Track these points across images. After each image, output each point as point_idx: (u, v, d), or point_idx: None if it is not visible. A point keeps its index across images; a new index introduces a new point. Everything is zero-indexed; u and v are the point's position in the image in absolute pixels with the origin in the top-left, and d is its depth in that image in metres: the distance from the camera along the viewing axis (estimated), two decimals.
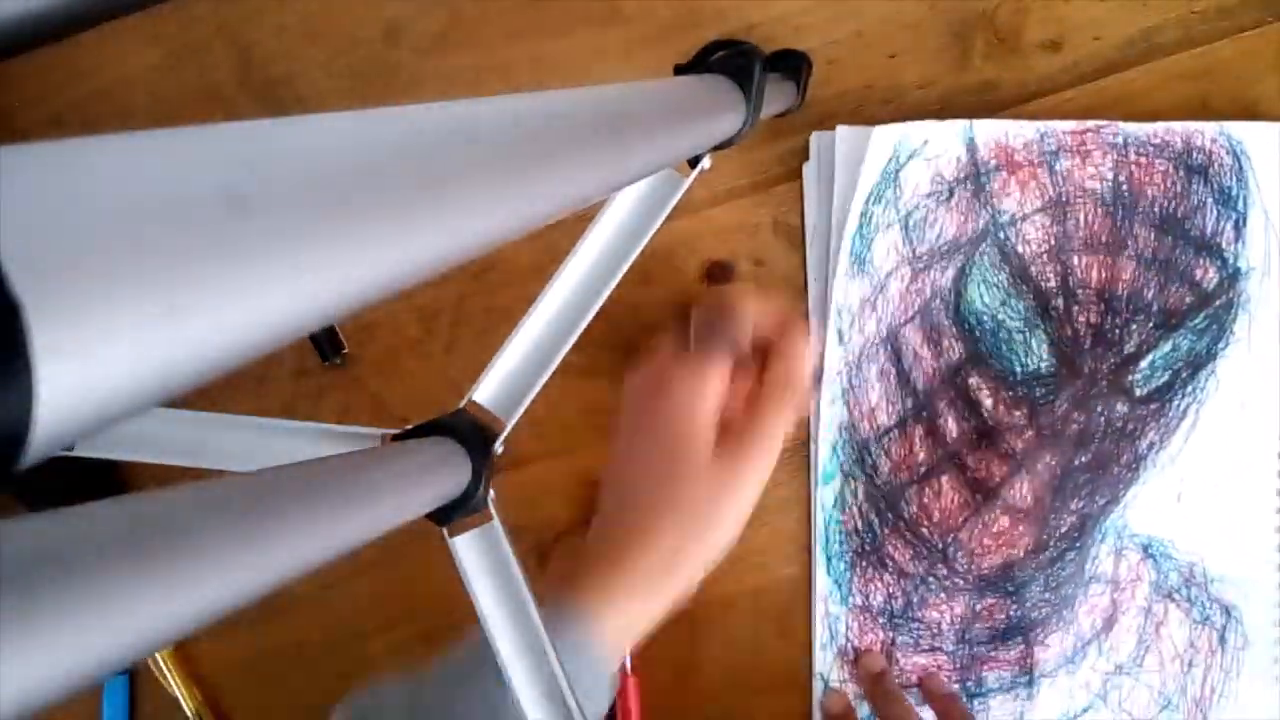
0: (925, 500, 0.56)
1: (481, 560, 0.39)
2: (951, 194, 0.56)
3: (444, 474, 0.36)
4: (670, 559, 0.46)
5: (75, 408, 0.11)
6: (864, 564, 0.56)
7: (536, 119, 0.25)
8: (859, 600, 0.56)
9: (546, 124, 0.25)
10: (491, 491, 0.38)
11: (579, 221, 0.44)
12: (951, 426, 0.56)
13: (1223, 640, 0.55)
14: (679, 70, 0.42)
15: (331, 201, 0.16)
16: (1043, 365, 0.56)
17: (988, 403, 0.56)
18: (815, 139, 0.57)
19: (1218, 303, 0.55)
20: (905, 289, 0.56)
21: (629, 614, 0.46)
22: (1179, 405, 0.55)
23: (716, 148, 0.41)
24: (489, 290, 0.59)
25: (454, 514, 0.38)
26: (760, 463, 0.47)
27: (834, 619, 0.56)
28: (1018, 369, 0.56)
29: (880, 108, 0.57)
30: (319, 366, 0.60)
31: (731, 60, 0.41)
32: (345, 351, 0.59)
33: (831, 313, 0.56)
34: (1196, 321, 0.55)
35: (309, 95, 0.60)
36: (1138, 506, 0.55)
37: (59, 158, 0.12)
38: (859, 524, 0.56)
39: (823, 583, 0.56)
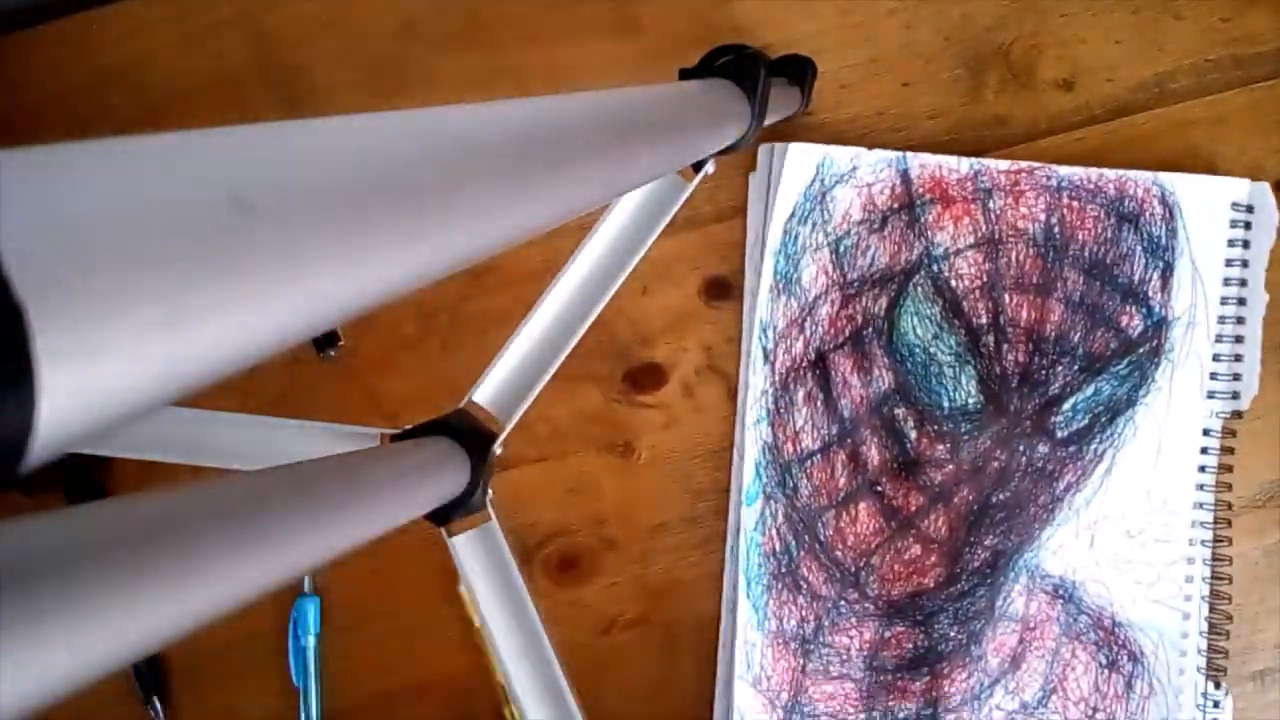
0: (842, 525, 0.56)
1: (481, 560, 0.39)
2: (885, 223, 0.56)
3: (443, 474, 0.36)
4: None
5: (78, 411, 0.11)
6: (779, 586, 0.56)
7: (542, 124, 0.25)
8: (773, 625, 0.56)
9: (552, 128, 0.25)
10: (490, 492, 0.39)
11: (580, 225, 0.44)
12: (874, 454, 0.56)
13: (1129, 687, 0.56)
14: (684, 75, 0.41)
15: (335, 206, 0.16)
16: (970, 401, 0.56)
17: (912, 435, 0.56)
18: (764, 151, 0.57)
19: (1141, 350, 0.55)
20: (835, 314, 0.57)
21: None
22: (1096, 449, 0.56)
23: (721, 152, 0.40)
24: (487, 291, 0.59)
25: (453, 514, 0.38)
26: None
27: (751, 647, 0.56)
28: (945, 403, 0.56)
29: (890, 134, 0.58)
30: (314, 358, 0.59)
31: (736, 65, 0.41)
32: (341, 344, 0.59)
33: (756, 329, 0.57)
34: (1119, 367, 0.55)
35: (323, 86, 0.60)
36: (1051, 547, 0.56)
37: (63, 161, 0.12)
38: (777, 546, 0.56)
39: (743, 608, 0.56)
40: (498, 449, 0.40)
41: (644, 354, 0.59)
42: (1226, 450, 0.55)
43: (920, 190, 0.56)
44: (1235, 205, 0.55)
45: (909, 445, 0.56)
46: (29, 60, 0.61)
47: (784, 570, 0.56)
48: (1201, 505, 0.55)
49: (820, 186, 0.57)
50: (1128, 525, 0.55)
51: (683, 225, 0.42)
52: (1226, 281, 0.55)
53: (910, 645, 0.56)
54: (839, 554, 0.56)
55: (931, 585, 0.56)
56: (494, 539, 0.40)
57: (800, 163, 0.56)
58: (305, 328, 0.16)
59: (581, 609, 0.58)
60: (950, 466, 0.56)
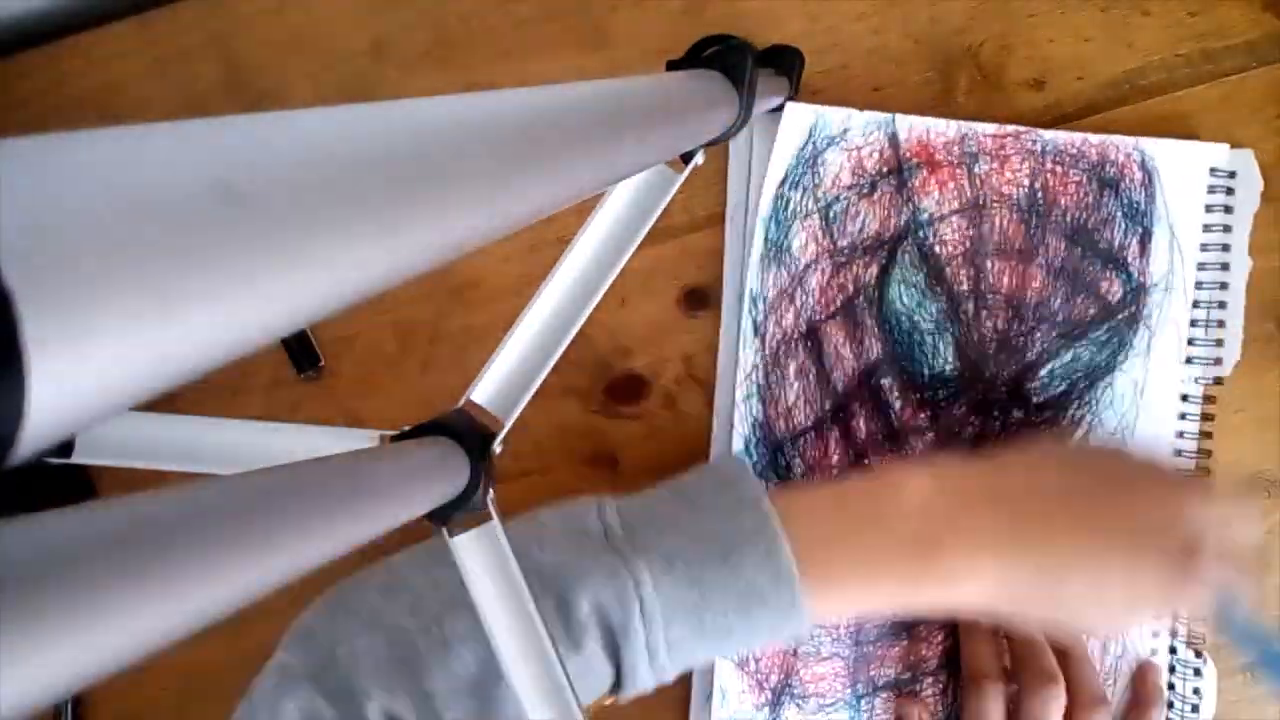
0: None
1: (482, 560, 0.39)
2: (874, 187, 0.56)
3: (442, 474, 0.36)
4: (1046, 602, 0.46)
5: (68, 400, 0.11)
6: None
7: (529, 113, 0.25)
8: None
9: (539, 118, 0.25)
10: (491, 491, 0.38)
11: (560, 238, 0.44)
12: (861, 427, 0.56)
13: (1104, 649, 0.56)
14: (671, 66, 0.42)
15: (324, 195, 0.16)
16: (947, 368, 0.56)
17: (896, 405, 0.56)
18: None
19: (1120, 316, 0.56)
20: (826, 283, 0.57)
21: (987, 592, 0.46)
22: (1073, 415, 0.56)
23: (710, 143, 0.41)
24: (467, 308, 0.59)
25: (453, 514, 0.38)
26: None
27: None
28: (925, 371, 0.56)
29: None
30: (294, 379, 0.59)
31: (724, 55, 0.41)
32: (321, 365, 0.59)
33: (746, 300, 0.56)
34: (1098, 334, 0.56)
35: (294, 106, 0.59)
36: None
37: (50, 150, 0.12)
38: None
39: None
40: (497, 448, 0.39)
41: (624, 366, 0.59)
42: (1207, 417, 0.56)
43: (908, 154, 0.57)
44: (1214, 171, 0.56)
45: (893, 416, 0.57)
46: None
47: None
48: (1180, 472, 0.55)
49: (813, 149, 0.57)
50: None
51: (659, 236, 0.42)
52: (1204, 247, 0.56)
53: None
54: None
55: None
56: (495, 538, 0.39)
57: (795, 123, 0.56)
58: (295, 316, 0.16)
59: None
60: (930, 435, 0.56)
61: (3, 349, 0.10)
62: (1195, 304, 0.56)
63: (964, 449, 0.56)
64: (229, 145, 0.15)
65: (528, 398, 0.41)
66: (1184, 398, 0.56)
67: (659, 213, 0.44)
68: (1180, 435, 0.56)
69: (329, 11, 0.61)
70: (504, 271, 0.59)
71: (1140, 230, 0.56)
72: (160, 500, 0.20)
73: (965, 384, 0.56)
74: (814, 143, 0.56)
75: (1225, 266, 0.56)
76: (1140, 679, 0.55)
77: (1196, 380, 0.56)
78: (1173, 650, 0.55)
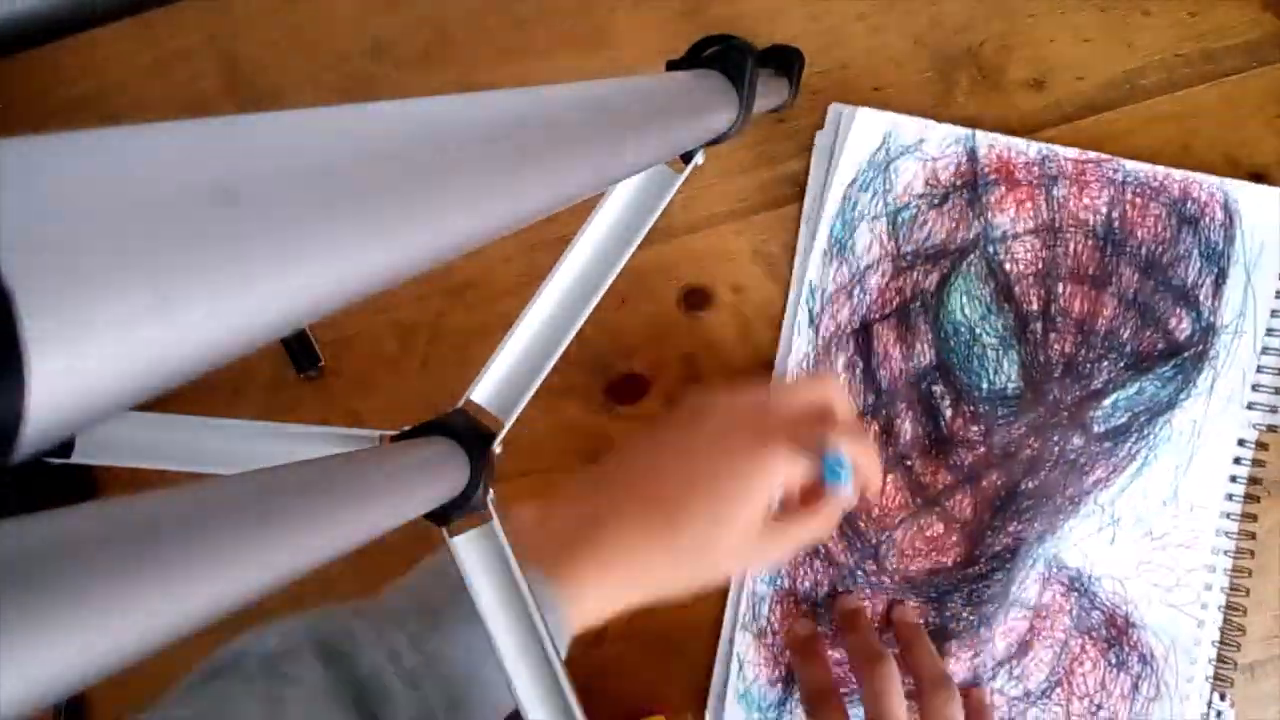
0: (868, 496, 0.55)
1: (482, 560, 0.39)
2: (946, 199, 0.56)
3: (442, 474, 0.36)
4: (678, 559, 0.47)
5: (68, 397, 0.11)
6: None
7: (528, 113, 0.25)
8: (786, 583, 0.56)
9: (538, 118, 0.25)
10: (491, 491, 0.38)
11: (561, 237, 0.44)
12: (908, 429, 0.56)
13: (1135, 688, 0.55)
14: (671, 66, 0.42)
15: (320, 194, 0.16)
16: (1010, 386, 0.56)
17: (948, 413, 0.56)
18: (833, 110, 0.57)
19: (1187, 354, 0.55)
20: (885, 284, 0.57)
21: (611, 593, 0.47)
22: (1131, 448, 0.55)
23: (710, 143, 0.41)
24: (467, 308, 0.59)
25: (453, 514, 0.38)
26: (776, 550, 0.49)
27: (759, 599, 0.56)
28: (984, 385, 0.56)
29: None
30: (294, 379, 0.59)
31: (724, 56, 0.41)
32: (321, 365, 0.59)
33: (805, 291, 0.57)
34: (1164, 369, 0.55)
35: (294, 107, 0.60)
36: (1073, 540, 0.55)
37: (50, 150, 0.12)
38: None
39: None
40: (497, 447, 0.40)
41: (624, 366, 0.59)
42: (1258, 464, 0.55)
43: (986, 170, 0.56)
44: None
45: (943, 423, 0.57)
46: None
47: None
48: (1229, 515, 0.55)
49: (885, 155, 0.57)
50: (1152, 526, 0.55)
51: (658, 237, 0.42)
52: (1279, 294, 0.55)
53: (920, 621, 0.56)
54: (861, 524, 0.57)
55: (949, 564, 0.56)
56: (495, 538, 0.39)
57: (867, 129, 0.56)
58: (293, 313, 0.16)
59: None
60: (982, 449, 0.56)
61: (3, 347, 0.10)
62: (1264, 350, 0.55)
63: (1019, 471, 0.56)
64: (227, 145, 0.15)
65: (528, 398, 0.41)
66: (1240, 442, 0.55)
67: (659, 213, 0.44)
68: (1233, 480, 0.55)
69: (329, 12, 0.61)
70: (504, 271, 0.59)
71: (1216, 270, 0.55)
72: (160, 500, 0.20)
73: (1026, 404, 0.56)
74: (887, 149, 0.56)
75: None
76: (895, 622, 0.56)
77: (1254, 426, 0.55)
78: (1204, 698, 0.55)
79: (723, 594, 0.57)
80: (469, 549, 0.39)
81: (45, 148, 0.12)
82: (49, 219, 0.11)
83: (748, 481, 0.47)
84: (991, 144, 0.56)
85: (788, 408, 0.49)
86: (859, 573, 0.56)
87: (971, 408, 0.56)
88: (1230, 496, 0.55)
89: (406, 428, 0.40)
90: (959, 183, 0.56)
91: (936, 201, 0.57)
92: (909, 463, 0.56)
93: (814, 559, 0.56)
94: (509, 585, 0.40)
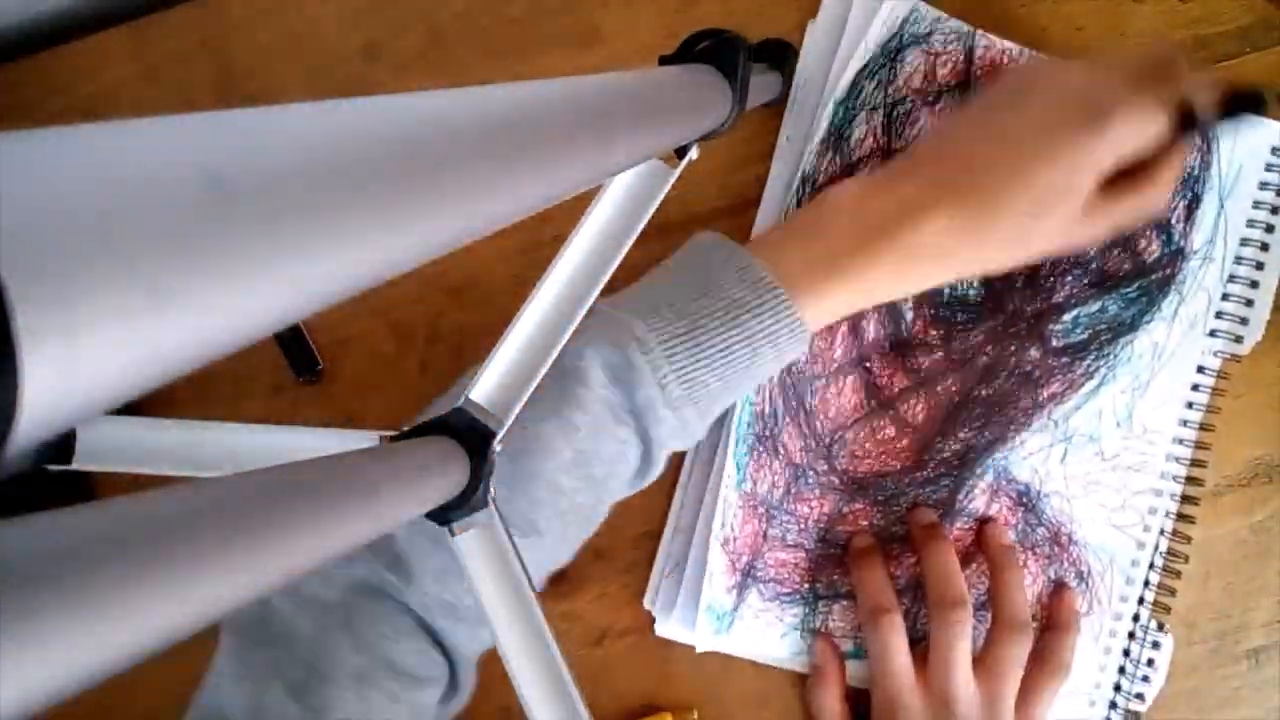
0: (828, 396, 0.56)
1: (484, 559, 0.39)
2: (939, 98, 0.55)
3: (443, 473, 0.36)
4: (985, 251, 0.47)
5: (61, 391, 0.11)
6: (761, 449, 0.56)
7: (521, 107, 0.25)
8: (748, 487, 0.56)
9: (530, 112, 0.25)
10: (492, 490, 0.38)
11: (557, 236, 0.44)
12: (870, 329, 0.56)
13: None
14: (664, 60, 0.41)
15: (314, 188, 0.16)
16: (970, 293, 0.56)
17: (909, 315, 0.56)
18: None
19: (1154, 276, 0.55)
20: None
21: (889, 288, 0.48)
22: (1089, 366, 0.55)
23: (703, 138, 0.40)
24: (465, 308, 0.59)
25: (454, 513, 0.38)
26: (1105, 229, 0.48)
27: (728, 506, 0.55)
28: (945, 290, 0.56)
29: None
30: (293, 382, 0.59)
31: (716, 50, 0.41)
32: (320, 367, 0.59)
33: (795, 182, 0.56)
34: (1129, 290, 0.55)
35: None
36: (1023, 453, 0.56)
37: (42, 144, 0.12)
38: (766, 408, 0.56)
39: (729, 467, 0.55)
40: (497, 446, 0.39)
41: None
42: (1217, 392, 0.55)
43: (978, 71, 0.55)
44: (1276, 150, 0.54)
45: (904, 325, 0.56)
46: None
47: (768, 433, 0.56)
48: (1181, 441, 0.55)
49: (898, 43, 0.55)
50: (1104, 447, 0.56)
51: (654, 232, 0.42)
52: (1250, 224, 0.55)
53: (865, 524, 0.57)
54: (818, 424, 0.56)
55: (898, 468, 0.56)
56: (497, 537, 0.39)
57: (893, 11, 0.55)
58: (288, 311, 0.16)
59: (573, 621, 0.58)
60: (939, 354, 0.56)
61: None
62: (1231, 278, 0.55)
63: (972, 378, 0.56)
64: (219, 139, 0.15)
65: (527, 396, 0.41)
66: (1200, 369, 0.55)
67: (654, 208, 0.43)
68: (1189, 406, 0.55)
69: (321, 14, 0.61)
70: (500, 270, 0.59)
71: (1190, 195, 0.55)
72: (160, 500, 0.20)
73: (986, 312, 0.56)
74: (901, 36, 0.55)
75: (1265, 247, 0.55)
76: (1056, 602, 0.56)
77: (1215, 354, 0.55)
78: (1136, 618, 0.56)
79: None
80: (470, 548, 0.39)
81: (36, 140, 0.12)
82: (41, 213, 0.11)
83: (1075, 170, 0.45)
84: (988, 45, 0.55)
85: (1124, 71, 0.46)
86: (810, 473, 0.56)
87: (933, 311, 0.56)
88: (1185, 423, 0.55)
89: (406, 427, 0.40)
90: (952, 82, 0.55)
91: (930, 99, 0.55)
92: (868, 364, 0.56)
93: (774, 460, 0.56)
94: (512, 584, 0.40)
